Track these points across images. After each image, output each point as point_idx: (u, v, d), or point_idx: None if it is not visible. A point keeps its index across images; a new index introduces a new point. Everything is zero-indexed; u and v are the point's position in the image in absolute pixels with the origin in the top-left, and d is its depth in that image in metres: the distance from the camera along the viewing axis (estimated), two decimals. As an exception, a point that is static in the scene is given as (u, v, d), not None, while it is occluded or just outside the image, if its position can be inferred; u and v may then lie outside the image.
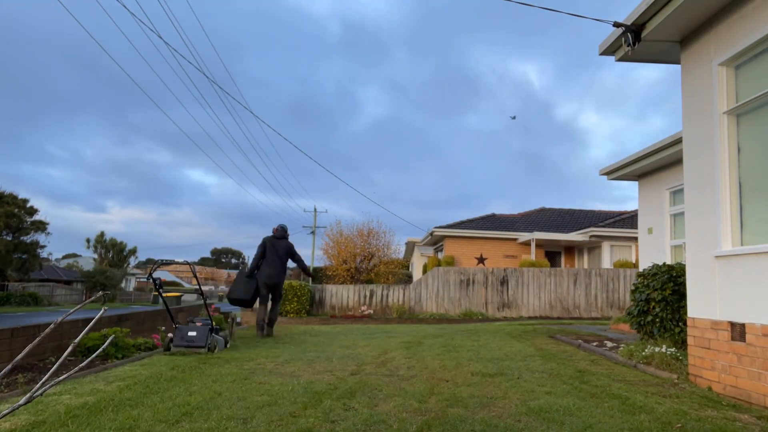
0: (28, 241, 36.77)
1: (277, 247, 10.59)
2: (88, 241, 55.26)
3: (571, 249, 25.44)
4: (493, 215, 28.19)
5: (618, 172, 11.12)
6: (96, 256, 55.86)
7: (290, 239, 11.13)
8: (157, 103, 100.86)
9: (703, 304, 5.20)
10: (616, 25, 5.80)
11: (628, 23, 5.65)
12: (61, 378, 2.64)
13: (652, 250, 10.46)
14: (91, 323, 2.43)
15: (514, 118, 48.35)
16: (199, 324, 7.70)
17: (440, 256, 25.89)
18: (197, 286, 9.23)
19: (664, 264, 7.41)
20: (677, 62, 5.94)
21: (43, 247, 38.07)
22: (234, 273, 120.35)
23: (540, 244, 24.22)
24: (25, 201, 36.55)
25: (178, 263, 9.94)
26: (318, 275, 27.80)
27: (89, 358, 2.62)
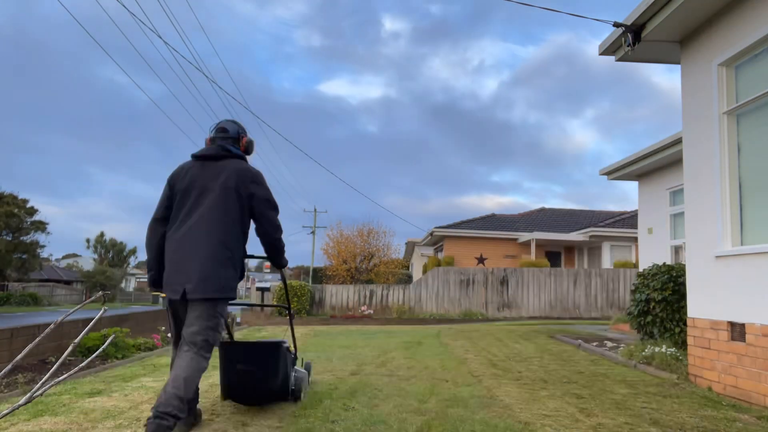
0: (27, 241, 36.79)
1: None
2: (87, 241, 55.36)
3: (571, 249, 25.44)
4: (493, 215, 28.19)
5: (618, 172, 11.13)
6: (96, 256, 55.93)
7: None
8: (162, 109, 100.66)
9: (702, 304, 5.20)
10: (616, 25, 5.80)
11: (628, 23, 5.64)
12: (61, 378, 2.64)
13: (652, 250, 10.46)
14: (91, 323, 2.43)
15: None
16: None
17: (440, 256, 25.88)
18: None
19: (664, 264, 7.41)
20: (677, 62, 5.94)
21: (43, 247, 38.13)
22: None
23: (540, 244, 24.22)
24: (25, 201, 36.57)
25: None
26: (318, 275, 27.80)
27: (89, 358, 2.62)
